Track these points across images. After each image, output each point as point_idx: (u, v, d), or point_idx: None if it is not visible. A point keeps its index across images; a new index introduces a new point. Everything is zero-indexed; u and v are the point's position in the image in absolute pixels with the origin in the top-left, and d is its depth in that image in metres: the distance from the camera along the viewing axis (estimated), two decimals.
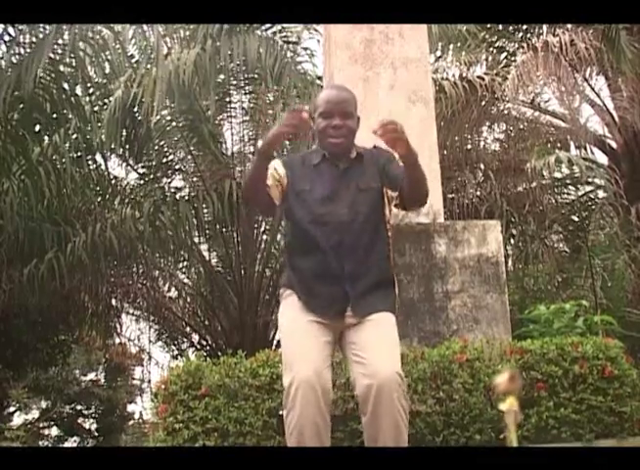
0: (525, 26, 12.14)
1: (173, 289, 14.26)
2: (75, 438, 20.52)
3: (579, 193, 12.79)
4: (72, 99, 9.41)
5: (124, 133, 10.64)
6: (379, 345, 3.24)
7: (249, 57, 9.32)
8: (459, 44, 12.58)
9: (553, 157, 10.00)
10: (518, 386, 1.64)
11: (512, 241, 12.00)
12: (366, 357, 3.21)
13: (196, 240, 12.29)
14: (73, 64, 9.12)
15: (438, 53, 12.93)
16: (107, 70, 10.04)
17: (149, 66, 10.10)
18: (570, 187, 12.81)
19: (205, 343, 13.83)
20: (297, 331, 3.32)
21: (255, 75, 11.26)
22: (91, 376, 20.91)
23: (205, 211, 11.05)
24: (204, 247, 13.01)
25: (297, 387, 3.12)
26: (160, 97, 9.22)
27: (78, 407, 19.91)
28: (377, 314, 3.34)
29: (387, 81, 6.33)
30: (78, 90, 9.80)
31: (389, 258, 3.54)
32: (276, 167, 3.49)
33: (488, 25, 12.22)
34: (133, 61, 10.85)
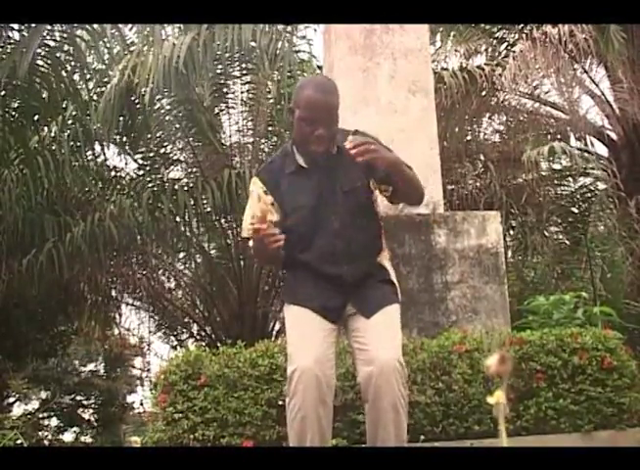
0: None
1: (173, 279, 14.28)
2: (75, 428, 20.55)
3: (579, 184, 12.80)
4: (71, 87, 9.39)
5: (121, 120, 10.62)
6: (380, 332, 3.25)
7: (243, 36, 9.26)
8: (458, 35, 12.56)
9: (547, 147, 9.98)
10: (508, 367, 1.65)
11: (511, 232, 12.01)
12: (367, 344, 3.22)
13: (195, 230, 12.28)
14: (71, 51, 9.08)
15: (438, 43, 12.92)
16: (105, 57, 9.99)
17: (145, 50, 10.07)
18: (569, 179, 12.81)
19: (204, 333, 13.85)
20: (301, 320, 3.34)
21: (252, 65, 11.24)
22: (91, 367, 20.93)
23: (205, 201, 11.04)
24: (203, 237, 13.01)
25: (299, 375, 3.14)
26: (157, 82, 9.19)
27: (78, 398, 19.91)
28: (384, 308, 3.34)
29: (387, 72, 6.31)
30: (77, 78, 9.77)
31: (383, 250, 3.51)
32: (264, 200, 3.43)
33: None
34: (131, 47, 10.82)
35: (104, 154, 11.56)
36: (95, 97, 10.50)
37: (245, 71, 11.75)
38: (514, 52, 10.43)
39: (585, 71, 11.63)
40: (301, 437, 3.17)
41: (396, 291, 3.48)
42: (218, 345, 5.18)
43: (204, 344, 12.51)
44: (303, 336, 3.28)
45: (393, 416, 3.15)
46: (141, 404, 20.21)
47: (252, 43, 9.72)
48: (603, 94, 11.79)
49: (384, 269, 3.46)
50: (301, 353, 3.20)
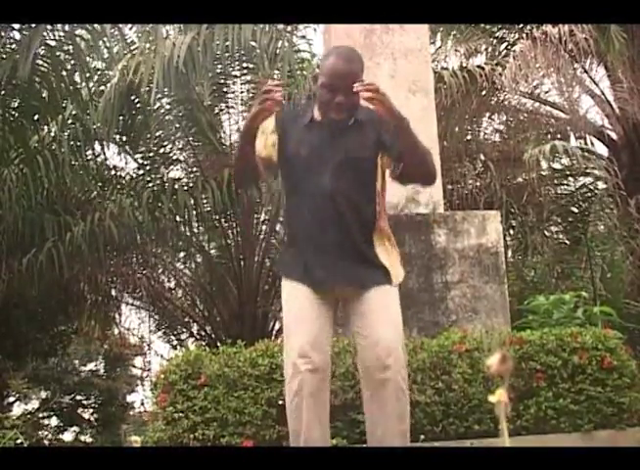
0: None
1: (173, 279, 14.28)
2: (75, 428, 20.57)
3: (579, 184, 12.80)
4: (71, 87, 9.39)
5: (121, 120, 10.62)
6: (379, 318, 3.26)
7: (243, 36, 9.26)
8: (459, 35, 12.56)
9: (548, 146, 9.97)
10: (509, 367, 1.66)
11: (511, 232, 12.00)
12: (366, 330, 3.25)
13: (195, 230, 12.29)
14: (71, 50, 9.08)
15: (438, 43, 12.92)
16: (105, 56, 9.98)
17: (147, 50, 10.07)
18: (569, 178, 12.82)
19: (204, 333, 13.84)
20: (295, 303, 3.35)
21: (252, 65, 11.24)
22: (91, 366, 20.96)
23: (205, 200, 11.05)
24: (203, 237, 13.01)
25: (295, 359, 3.16)
26: (157, 81, 9.19)
27: (78, 398, 19.94)
28: (377, 287, 3.34)
29: (387, 71, 6.31)
30: (77, 77, 9.76)
31: (382, 231, 3.49)
32: (268, 126, 3.45)
33: None
34: (132, 46, 10.82)
35: (104, 153, 11.58)
36: (95, 96, 10.49)
37: (245, 71, 11.75)
38: (514, 51, 10.43)
39: (585, 71, 11.63)
40: (298, 419, 3.18)
41: (396, 276, 3.44)
42: (218, 344, 5.18)
43: (204, 343, 12.52)
44: (298, 318, 3.30)
45: (396, 410, 3.16)
46: (141, 404, 20.24)
47: (252, 43, 9.71)
48: (603, 94, 11.79)
49: (374, 253, 3.41)
50: (296, 336, 3.24)
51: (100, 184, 11.90)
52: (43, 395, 20.41)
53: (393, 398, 3.16)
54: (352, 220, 3.36)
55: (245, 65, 11.58)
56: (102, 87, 10.85)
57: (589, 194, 12.39)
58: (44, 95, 9.37)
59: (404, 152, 3.33)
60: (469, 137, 12.50)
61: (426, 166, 3.44)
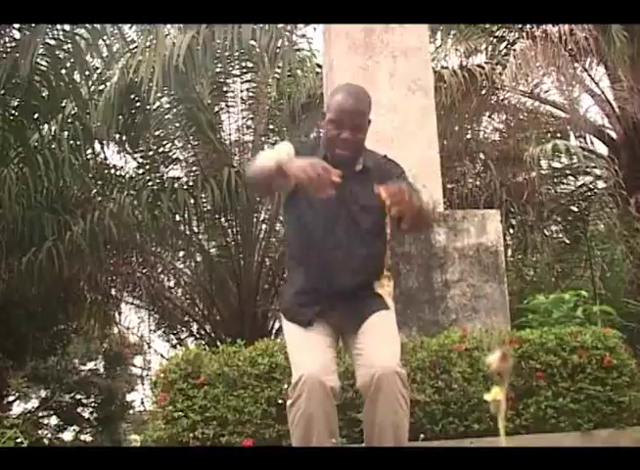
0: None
1: (172, 278, 14.29)
2: (75, 427, 20.57)
3: (579, 183, 12.80)
4: (71, 86, 9.39)
5: (121, 119, 10.63)
6: (377, 338, 3.27)
7: (243, 35, 9.27)
8: (458, 34, 12.55)
9: (550, 144, 9.97)
10: (509, 365, 1.66)
11: (511, 231, 12.00)
12: (364, 350, 3.25)
13: (195, 229, 12.29)
14: (71, 49, 9.08)
15: (438, 42, 12.91)
16: (105, 55, 9.98)
17: (146, 49, 10.07)
18: (569, 177, 12.82)
19: (204, 332, 13.85)
20: (300, 335, 3.35)
21: (252, 64, 11.25)
22: (90, 365, 20.95)
23: (204, 199, 11.05)
24: (202, 236, 13.02)
25: (305, 380, 3.14)
26: (157, 80, 9.19)
27: (78, 397, 19.94)
28: (376, 313, 3.36)
29: (386, 70, 6.31)
30: (77, 76, 9.77)
31: (383, 278, 3.51)
32: (290, 153, 3.30)
33: None
34: (131, 45, 10.82)
35: (103, 152, 11.61)
36: (95, 95, 10.50)
37: (244, 70, 11.77)
38: (514, 50, 10.42)
39: (585, 70, 11.62)
40: (308, 437, 3.17)
41: (385, 303, 3.46)
42: (218, 343, 5.18)
43: (203, 342, 12.52)
44: (306, 349, 3.30)
45: (392, 420, 3.16)
46: (141, 403, 20.25)
47: (252, 42, 9.72)
48: (603, 93, 11.78)
49: (378, 296, 3.43)
50: (306, 362, 3.22)
51: (99, 183, 11.91)
52: (43, 394, 20.41)
53: (389, 412, 3.16)
54: (361, 268, 3.36)
55: (244, 64, 11.60)
56: (102, 86, 10.86)
57: (589, 193, 12.38)
58: (44, 94, 9.37)
59: (414, 223, 3.24)
60: (469, 136, 12.50)
61: (427, 225, 3.65)
